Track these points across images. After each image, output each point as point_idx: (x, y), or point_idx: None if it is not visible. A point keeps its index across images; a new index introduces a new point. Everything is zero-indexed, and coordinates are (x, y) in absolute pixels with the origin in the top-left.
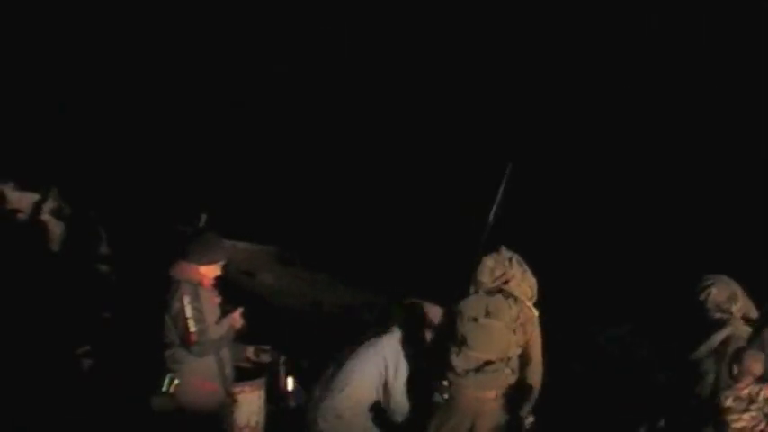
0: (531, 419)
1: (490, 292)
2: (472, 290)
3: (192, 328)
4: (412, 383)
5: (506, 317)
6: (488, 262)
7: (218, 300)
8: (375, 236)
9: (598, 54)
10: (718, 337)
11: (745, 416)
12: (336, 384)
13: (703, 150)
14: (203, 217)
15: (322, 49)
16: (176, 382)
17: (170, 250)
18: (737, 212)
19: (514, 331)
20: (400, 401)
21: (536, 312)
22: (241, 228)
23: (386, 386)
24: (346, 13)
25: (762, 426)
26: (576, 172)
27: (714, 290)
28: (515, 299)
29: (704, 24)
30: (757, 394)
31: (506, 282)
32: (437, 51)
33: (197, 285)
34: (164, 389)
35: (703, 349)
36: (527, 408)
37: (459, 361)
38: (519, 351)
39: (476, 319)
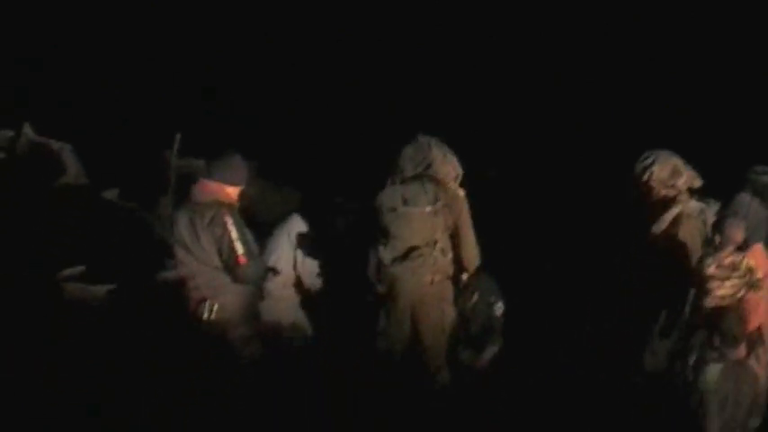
0: (500, 306)
1: (406, 181)
2: (390, 181)
3: (240, 250)
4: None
5: (424, 202)
6: (408, 150)
7: None
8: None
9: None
10: (668, 216)
11: (727, 283)
12: None
13: None
14: (178, 137)
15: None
16: (216, 307)
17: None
18: None
19: (436, 213)
20: (311, 273)
21: (462, 192)
22: (217, 145)
23: (295, 260)
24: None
25: (742, 293)
26: None
27: (656, 167)
28: (436, 182)
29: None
30: (740, 262)
31: (428, 166)
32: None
33: (232, 205)
34: (206, 316)
35: (655, 229)
36: (474, 290)
37: (386, 252)
38: (448, 232)
39: (394, 210)
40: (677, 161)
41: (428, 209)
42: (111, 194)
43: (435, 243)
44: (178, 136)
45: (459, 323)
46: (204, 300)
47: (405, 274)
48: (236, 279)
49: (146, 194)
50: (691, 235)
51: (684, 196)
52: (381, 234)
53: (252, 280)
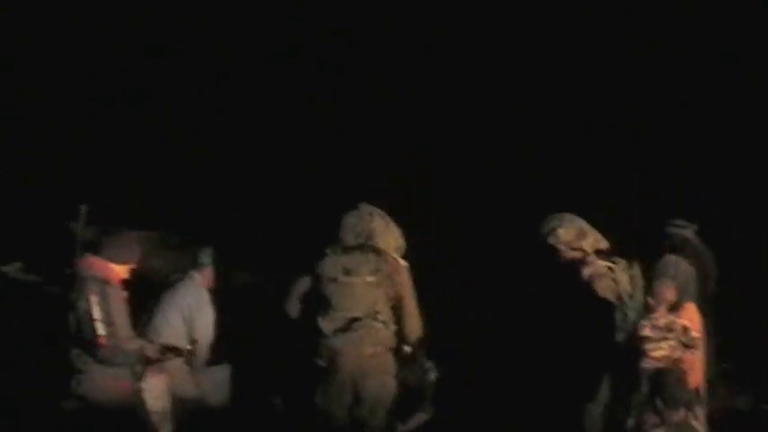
0: (432, 374)
1: (348, 250)
2: (331, 250)
3: (101, 332)
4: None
5: (365, 271)
6: (349, 219)
7: (125, 297)
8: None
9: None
10: (581, 278)
11: (663, 344)
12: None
13: None
14: (83, 208)
15: None
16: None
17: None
18: None
19: (378, 284)
20: (204, 345)
21: (404, 263)
22: (124, 216)
23: (190, 331)
24: None
25: (678, 353)
26: None
27: (561, 230)
28: (378, 252)
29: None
30: (674, 323)
31: (369, 237)
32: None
33: (105, 283)
34: (73, 388)
35: (569, 292)
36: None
37: (325, 323)
38: (390, 304)
39: (335, 280)
40: (581, 223)
41: (369, 279)
42: (13, 268)
43: (377, 314)
44: (84, 207)
45: (400, 395)
46: (76, 372)
47: (346, 346)
48: (95, 359)
49: (50, 267)
50: (605, 293)
51: (592, 257)
52: (320, 305)
53: (112, 363)
